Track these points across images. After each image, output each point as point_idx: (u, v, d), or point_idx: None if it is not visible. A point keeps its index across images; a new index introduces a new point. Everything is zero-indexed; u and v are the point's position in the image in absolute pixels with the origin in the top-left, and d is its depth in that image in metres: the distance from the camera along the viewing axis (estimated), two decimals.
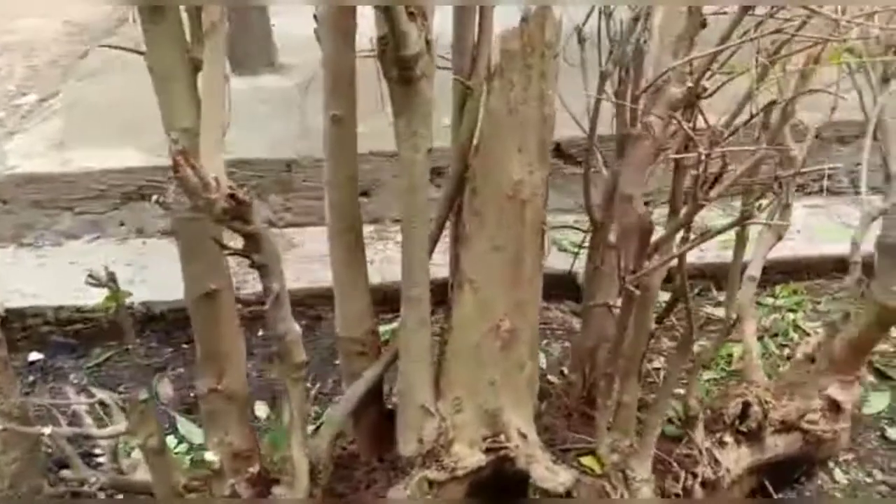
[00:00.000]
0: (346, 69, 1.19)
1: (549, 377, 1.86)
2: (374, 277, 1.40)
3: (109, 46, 1.19)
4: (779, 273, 2.22)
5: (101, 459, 1.74)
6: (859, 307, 1.45)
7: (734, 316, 1.36)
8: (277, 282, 1.09)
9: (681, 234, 1.17)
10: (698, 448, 1.44)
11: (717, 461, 1.45)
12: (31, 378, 2.05)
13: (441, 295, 1.34)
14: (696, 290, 2.18)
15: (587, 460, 1.39)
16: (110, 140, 2.50)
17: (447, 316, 1.33)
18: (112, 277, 1.13)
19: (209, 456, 1.30)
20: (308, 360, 1.21)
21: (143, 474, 1.46)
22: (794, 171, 1.07)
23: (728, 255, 2.11)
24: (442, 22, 1.13)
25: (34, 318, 2.12)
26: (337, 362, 2.05)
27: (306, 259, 2.23)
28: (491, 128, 1.20)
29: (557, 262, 2.09)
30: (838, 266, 2.27)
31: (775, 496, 1.62)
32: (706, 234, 1.06)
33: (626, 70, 1.23)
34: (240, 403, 1.30)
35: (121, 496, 1.64)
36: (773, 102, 0.99)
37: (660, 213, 1.22)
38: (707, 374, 1.95)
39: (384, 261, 2.18)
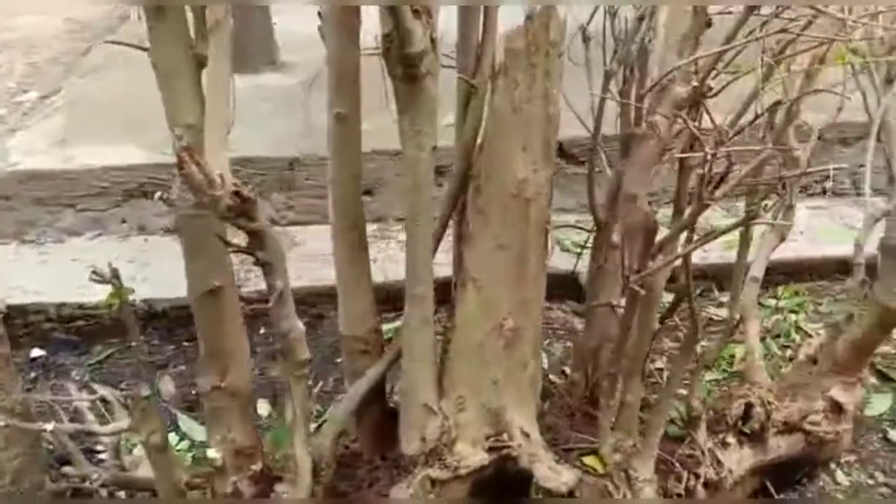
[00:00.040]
0: (350, 67, 1.19)
1: (551, 377, 1.86)
2: (377, 276, 1.40)
3: (114, 43, 1.18)
4: (781, 274, 2.23)
5: (102, 456, 1.74)
6: (862, 309, 1.44)
7: (738, 316, 1.35)
8: (281, 279, 1.09)
9: (685, 234, 1.17)
10: (701, 449, 1.44)
11: (719, 462, 1.45)
12: (32, 374, 2.05)
13: (444, 294, 1.34)
14: (699, 291, 2.18)
15: (590, 460, 1.38)
16: (112, 137, 2.51)
17: (450, 315, 1.33)
18: (116, 274, 1.13)
19: (212, 453, 1.30)
20: (310, 358, 1.21)
21: (145, 471, 1.46)
22: (800, 172, 1.06)
23: (731, 256, 2.11)
24: (446, 20, 1.13)
25: (36, 315, 2.12)
26: (339, 360, 2.05)
27: (308, 257, 2.23)
28: (495, 126, 1.19)
29: (559, 262, 2.09)
30: (840, 267, 2.27)
31: (777, 497, 1.62)
32: (711, 234, 1.06)
33: (630, 69, 1.23)
34: (243, 401, 1.30)
35: (123, 493, 1.64)
36: (778, 103, 0.99)
37: (663, 213, 1.22)
38: (709, 375, 1.95)
39: (387, 259, 2.18)
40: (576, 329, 2.12)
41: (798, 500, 1.67)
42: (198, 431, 1.82)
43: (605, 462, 1.36)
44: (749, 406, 1.48)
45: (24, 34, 3.61)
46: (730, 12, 1.06)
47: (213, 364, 1.26)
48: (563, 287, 2.15)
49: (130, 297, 1.23)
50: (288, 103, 2.62)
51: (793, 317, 2.18)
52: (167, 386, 2.01)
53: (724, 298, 2.19)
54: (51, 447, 1.64)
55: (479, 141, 1.26)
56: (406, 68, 1.02)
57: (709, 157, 0.92)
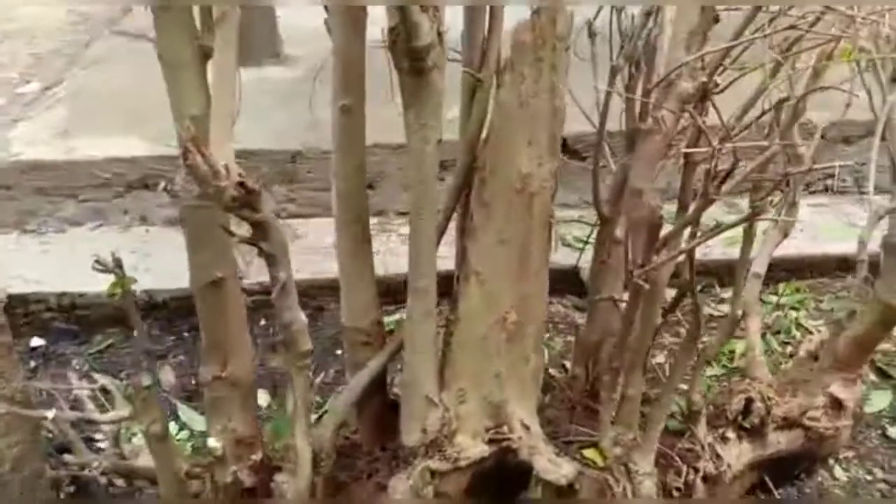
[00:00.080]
0: (356, 59, 1.18)
1: (552, 371, 1.86)
2: (378, 269, 1.40)
3: (119, 33, 1.18)
4: (782, 271, 2.23)
5: (101, 445, 1.74)
6: (864, 306, 1.45)
7: (740, 312, 1.36)
8: (284, 271, 1.09)
9: (689, 229, 1.18)
10: (700, 443, 1.44)
11: (718, 456, 1.45)
12: (32, 364, 2.05)
13: (446, 287, 1.34)
14: (700, 287, 2.18)
15: (590, 453, 1.39)
16: (114, 129, 2.51)
17: (453, 308, 1.33)
18: (119, 264, 1.13)
19: (212, 442, 1.30)
20: (311, 349, 1.21)
21: (145, 460, 1.47)
22: (806, 169, 1.06)
23: (732, 253, 2.11)
24: (452, 14, 1.13)
25: (37, 304, 2.12)
26: (339, 352, 2.06)
27: (310, 250, 2.24)
28: (501, 120, 1.19)
29: (561, 257, 2.10)
30: (841, 265, 2.27)
31: (776, 492, 1.63)
32: (716, 230, 1.06)
33: (636, 65, 1.23)
34: (244, 391, 1.30)
35: (122, 482, 1.65)
36: (785, 99, 0.99)
37: (667, 209, 1.22)
38: (709, 371, 1.95)
39: (388, 253, 2.18)
40: (577, 324, 2.12)
41: (797, 499, 1.68)
42: (198, 421, 1.83)
43: (606, 455, 1.36)
44: (749, 401, 1.49)
45: (26, 25, 3.59)
46: (738, 8, 1.06)
47: (215, 354, 1.26)
48: (564, 282, 2.16)
49: (132, 288, 1.23)
50: (291, 96, 2.62)
51: (793, 313, 2.18)
52: (167, 376, 2.01)
53: (725, 295, 2.20)
54: (50, 435, 1.64)
55: (483, 135, 1.26)
56: (413, 62, 1.02)
57: (715, 152, 0.92)
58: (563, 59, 1.16)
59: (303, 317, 1.16)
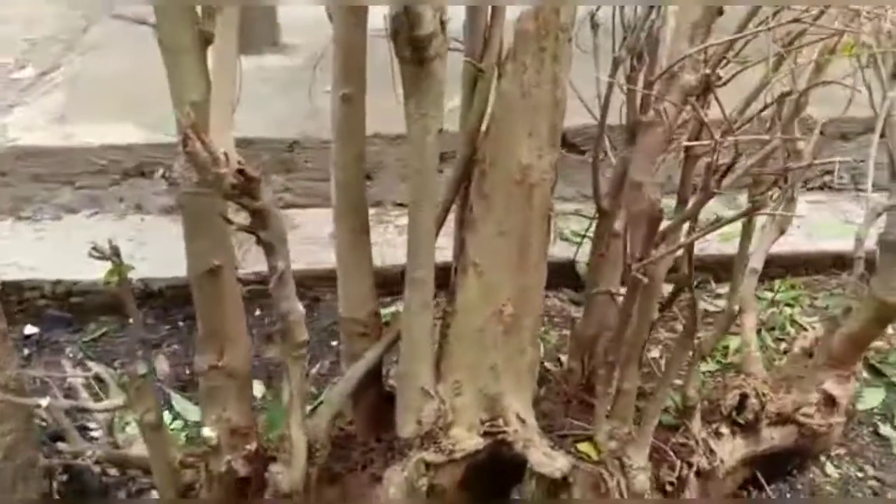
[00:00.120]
0: (357, 48, 1.18)
1: (547, 364, 1.86)
2: (375, 261, 1.40)
3: (119, 17, 1.17)
4: (778, 267, 2.23)
5: (94, 434, 1.74)
6: (860, 302, 1.45)
7: (737, 307, 1.36)
8: (283, 260, 1.09)
9: (687, 224, 1.17)
10: (694, 438, 1.44)
11: (712, 451, 1.46)
12: (26, 351, 2.04)
13: (443, 279, 1.33)
14: (696, 283, 2.18)
15: (584, 447, 1.39)
16: (111, 115, 2.49)
17: (450, 300, 1.33)
18: (116, 251, 1.12)
19: (207, 432, 1.30)
20: (308, 340, 1.20)
21: (138, 449, 1.47)
22: (807, 164, 1.06)
23: (728, 249, 2.12)
24: (454, 3, 1.12)
25: (31, 292, 2.11)
26: (334, 344, 2.06)
27: (306, 240, 2.23)
28: (502, 111, 1.19)
29: (557, 250, 2.10)
30: (837, 262, 2.28)
31: (768, 489, 1.63)
32: (716, 223, 1.06)
33: (638, 57, 1.23)
34: (240, 380, 1.29)
35: (116, 471, 1.64)
36: (787, 93, 0.99)
37: (665, 203, 1.22)
38: (703, 366, 1.96)
39: (384, 244, 2.18)
40: (572, 317, 2.12)
41: (788, 497, 1.68)
42: (191, 411, 1.83)
43: (600, 449, 1.36)
44: (744, 396, 1.49)
45: (22, 10, 3.56)
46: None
47: (211, 343, 1.26)
48: (560, 275, 2.16)
49: (128, 275, 1.23)
50: (290, 85, 2.61)
51: (788, 310, 2.19)
52: (161, 365, 2.01)
53: (721, 290, 2.20)
54: (43, 424, 1.64)
55: (484, 126, 1.25)
56: (415, 50, 1.01)
57: (716, 146, 0.92)
58: (566, 50, 1.16)
59: (300, 307, 1.15)
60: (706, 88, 0.98)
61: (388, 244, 2.20)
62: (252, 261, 2.08)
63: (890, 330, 2.06)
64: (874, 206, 1.40)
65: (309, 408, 1.59)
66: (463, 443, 1.32)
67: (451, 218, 1.39)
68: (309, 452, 1.27)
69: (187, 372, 1.98)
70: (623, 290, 1.29)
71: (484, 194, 1.23)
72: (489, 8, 1.21)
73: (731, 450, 1.50)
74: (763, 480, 1.62)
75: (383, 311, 1.66)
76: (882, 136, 1.33)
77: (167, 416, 1.79)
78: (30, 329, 2.10)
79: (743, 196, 2.13)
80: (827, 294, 2.26)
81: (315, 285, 2.14)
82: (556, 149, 1.24)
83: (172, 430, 1.77)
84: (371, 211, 1.90)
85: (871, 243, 1.42)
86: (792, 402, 1.54)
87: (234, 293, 1.24)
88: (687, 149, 1.11)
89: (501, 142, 1.20)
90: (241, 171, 0.94)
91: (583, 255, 2.13)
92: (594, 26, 1.26)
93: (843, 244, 2.25)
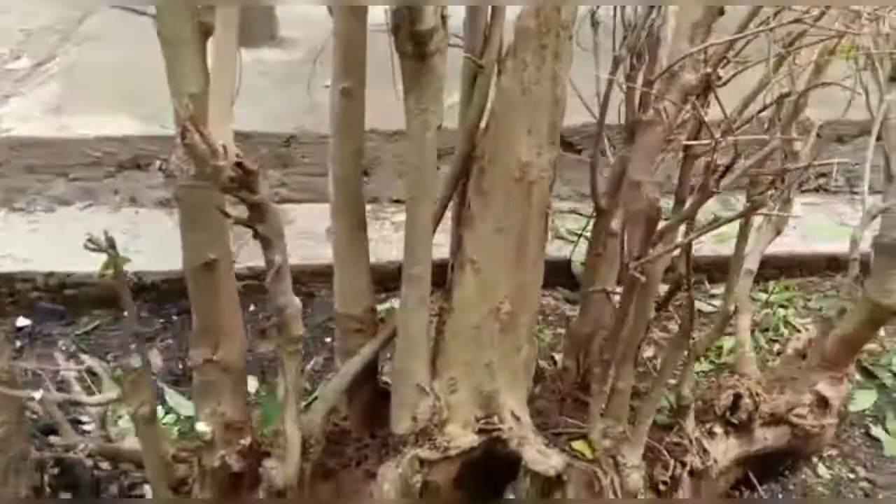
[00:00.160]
0: (357, 42, 1.17)
1: (541, 363, 1.87)
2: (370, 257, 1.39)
3: (119, 7, 1.16)
4: (772, 269, 2.24)
5: (86, 428, 1.73)
6: (854, 304, 1.46)
7: (733, 308, 1.36)
8: (280, 254, 1.08)
9: (685, 224, 1.18)
10: (688, 437, 1.45)
11: (706, 451, 1.46)
12: (18, 344, 2.03)
13: (439, 276, 1.33)
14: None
15: (579, 445, 1.39)
16: (107, 107, 2.48)
17: (447, 297, 1.33)
18: (112, 243, 1.11)
19: (201, 426, 1.29)
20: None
21: (131, 443, 1.46)
22: (806, 165, 1.06)
23: (722, 249, 2.13)
24: None
25: (24, 284, 2.10)
26: (328, 340, 2.05)
27: (301, 235, 2.22)
28: (502, 108, 1.19)
29: (553, 249, 2.10)
30: (831, 264, 2.29)
31: (760, 489, 1.64)
32: (714, 223, 1.06)
33: (638, 56, 1.23)
34: (235, 375, 1.29)
35: (108, 465, 1.63)
36: (787, 94, 0.99)
37: (664, 203, 1.22)
38: (696, 366, 1.96)
39: (380, 240, 2.17)
40: (567, 316, 2.13)
41: (780, 497, 1.69)
42: (185, 406, 1.82)
43: (594, 447, 1.37)
44: (738, 397, 1.50)
45: (17, 0, 3.54)
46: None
47: (206, 337, 1.25)
48: (554, 274, 2.16)
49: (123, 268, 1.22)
50: (287, 79, 2.60)
51: (782, 311, 2.20)
52: (155, 359, 2.00)
53: (715, 291, 2.21)
54: (35, 417, 1.63)
55: (483, 123, 1.25)
56: (416, 46, 1.01)
57: (715, 145, 0.92)
58: (567, 47, 1.16)
59: (297, 301, 1.15)
60: (706, 88, 0.98)
61: (384, 240, 2.19)
62: (246, 256, 2.07)
63: (882, 332, 2.07)
64: (869, 208, 1.40)
65: (303, 404, 1.59)
66: (458, 440, 1.32)
67: (448, 215, 1.38)
68: (303, 448, 1.27)
69: (180, 366, 1.97)
70: (619, 289, 1.29)
71: (482, 191, 1.23)
72: (490, 6, 1.21)
73: (724, 450, 1.51)
74: (755, 481, 1.62)
75: (379, 307, 1.66)
76: (878, 138, 1.33)
77: (160, 410, 1.78)
78: (22, 321, 2.09)
79: (739, 197, 2.14)
80: (821, 296, 2.27)
81: (310, 281, 2.14)
82: (555, 146, 1.24)
83: (165, 424, 1.76)
84: (367, 207, 1.90)
85: (865, 245, 1.42)
86: (785, 402, 1.55)
87: (230, 287, 1.24)
88: (686, 148, 1.11)
89: (501, 139, 1.20)
90: (239, 164, 0.94)
91: (578, 254, 2.13)
92: (594, 24, 1.26)
93: (838, 246, 2.26)
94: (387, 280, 1.83)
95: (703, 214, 1.20)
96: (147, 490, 1.59)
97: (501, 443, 1.34)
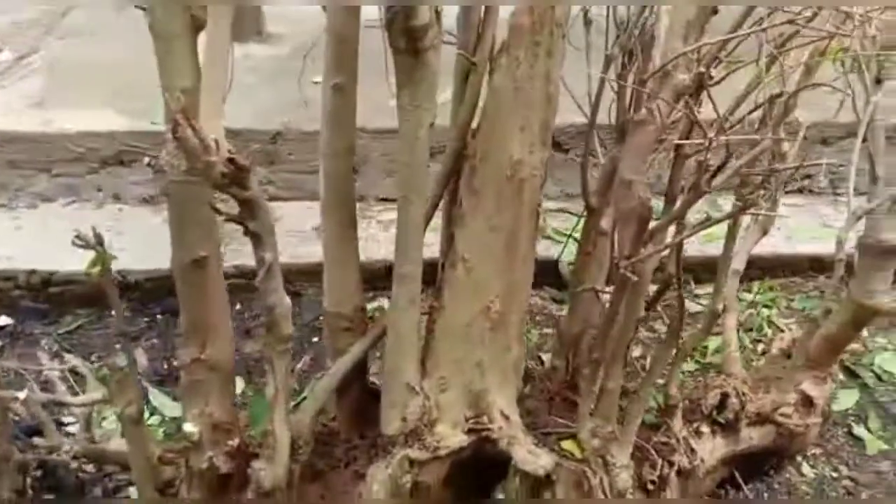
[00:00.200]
0: (350, 37, 1.16)
1: (528, 363, 1.87)
2: None
3: (109, 2, 1.14)
4: (756, 269, 2.26)
5: (70, 429, 1.71)
6: (838, 305, 1.47)
7: (721, 307, 1.37)
8: (270, 252, 1.07)
9: (675, 223, 1.18)
10: (676, 437, 1.45)
11: (693, 450, 1.47)
12: (0, 343, 2.00)
13: (429, 275, 1.33)
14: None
15: (568, 444, 1.39)
16: (90, 101, 2.45)
17: (437, 295, 1.32)
18: (100, 240, 1.10)
19: (188, 427, 1.27)
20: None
21: (116, 444, 1.44)
22: (795, 166, 1.07)
23: (709, 250, 2.14)
24: None
25: (5, 282, 2.07)
26: (315, 340, 2.04)
27: (287, 234, 2.21)
28: (494, 105, 1.19)
29: (541, 248, 2.10)
30: (814, 265, 2.32)
31: (745, 488, 1.65)
32: (705, 223, 1.06)
33: (629, 55, 1.23)
34: (223, 374, 1.28)
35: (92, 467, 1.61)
36: (778, 94, 1.00)
37: (654, 203, 1.22)
38: (682, 366, 1.97)
39: (367, 239, 2.16)
40: (555, 316, 2.13)
41: (766, 500, 1.70)
42: (169, 407, 1.80)
43: (583, 447, 1.37)
44: (725, 396, 1.50)
45: None
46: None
47: (194, 336, 1.24)
48: (542, 274, 2.16)
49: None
50: (274, 75, 2.58)
51: (766, 311, 2.22)
52: (139, 359, 1.97)
53: (702, 291, 2.22)
54: (17, 418, 1.60)
55: (475, 122, 1.25)
56: (410, 41, 1.00)
57: (707, 145, 0.92)
58: (560, 45, 1.16)
59: (287, 300, 1.14)
60: (699, 87, 0.99)
61: (372, 239, 2.18)
62: (232, 254, 2.05)
63: (864, 332, 2.09)
64: (855, 209, 1.42)
65: (291, 404, 1.58)
66: (447, 440, 1.32)
67: (438, 214, 1.38)
68: (292, 449, 1.25)
69: (165, 366, 1.95)
70: (609, 288, 1.29)
71: (474, 189, 1.23)
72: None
73: (711, 449, 1.51)
74: (741, 480, 1.64)
75: (368, 306, 1.65)
76: (864, 140, 1.35)
77: (145, 411, 1.76)
78: (4, 320, 2.06)
79: (724, 199, 2.15)
80: (804, 296, 2.29)
81: (297, 280, 2.12)
82: (547, 145, 1.24)
83: (150, 425, 1.74)
84: None
85: (849, 246, 1.43)
86: (771, 402, 1.56)
87: (219, 285, 1.22)
88: (677, 148, 1.12)
89: (493, 137, 1.20)
90: (231, 160, 0.93)
91: (566, 254, 2.14)
92: (587, 23, 1.26)
93: (821, 247, 2.29)
94: (374, 279, 1.82)
95: (693, 214, 1.21)
96: (132, 492, 1.56)
97: (491, 442, 1.33)
